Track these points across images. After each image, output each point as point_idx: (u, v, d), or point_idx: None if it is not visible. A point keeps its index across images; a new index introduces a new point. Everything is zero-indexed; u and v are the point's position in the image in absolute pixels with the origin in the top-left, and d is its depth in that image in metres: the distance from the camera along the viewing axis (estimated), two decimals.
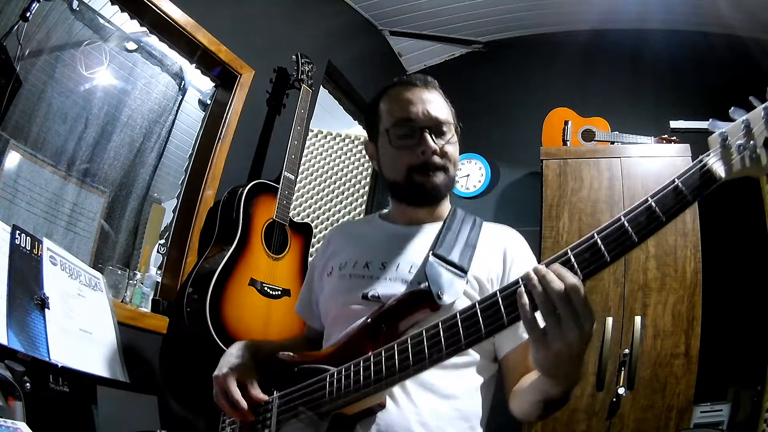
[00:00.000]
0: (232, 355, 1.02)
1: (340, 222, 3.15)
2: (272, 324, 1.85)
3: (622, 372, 1.81)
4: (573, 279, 0.66)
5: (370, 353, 0.83)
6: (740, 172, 0.66)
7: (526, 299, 0.68)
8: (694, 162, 0.68)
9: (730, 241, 2.35)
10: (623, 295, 2.24)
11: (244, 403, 0.93)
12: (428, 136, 1.01)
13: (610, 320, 2.16)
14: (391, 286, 0.96)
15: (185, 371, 1.84)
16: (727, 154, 0.67)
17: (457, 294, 0.91)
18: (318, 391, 0.87)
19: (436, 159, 1.01)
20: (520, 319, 0.70)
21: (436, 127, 1.03)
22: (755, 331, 2.20)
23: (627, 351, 2.04)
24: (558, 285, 0.66)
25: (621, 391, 1.77)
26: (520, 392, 0.90)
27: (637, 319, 2.11)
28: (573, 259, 0.69)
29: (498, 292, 0.74)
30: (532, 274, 0.69)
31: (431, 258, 0.95)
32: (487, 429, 0.97)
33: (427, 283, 0.89)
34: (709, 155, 0.68)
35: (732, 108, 0.69)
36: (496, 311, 0.73)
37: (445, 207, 1.11)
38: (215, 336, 1.67)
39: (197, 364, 1.83)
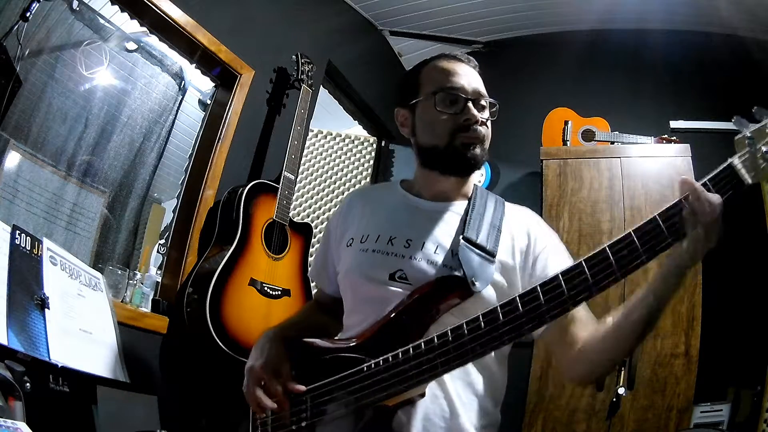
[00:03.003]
0: (264, 347, 1.01)
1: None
2: (272, 324, 1.84)
3: (622, 372, 1.81)
4: (717, 197, 0.73)
5: (409, 346, 0.84)
6: (766, 177, 0.69)
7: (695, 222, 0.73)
8: (723, 165, 0.72)
9: (730, 240, 2.35)
10: (623, 295, 2.24)
11: (281, 395, 0.93)
12: (472, 106, 1.03)
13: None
14: (418, 267, 0.95)
15: (185, 371, 1.84)
16: (754, 159, 0.69)
17: (488, 280, 0.91)
18: (357, 383, 0.87)
19: (479, 129, 1.03)
20: (560, 315, 0.77)
21: (479, 101, 1.05)
22: (755, 331, 2.20)
23: None
24: (715, 198, 0.73)
25: (621, 391, 1.77)
26: (605, 334, 0.88)
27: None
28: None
29: (539, 287, 0.77)
30: (702, 200, 0.73)
31: (462, 242, 0.94)
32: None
33: (461, 271, 0.90)
34: (736, 159, 0.71)
35: (755, 108, 0.71)
36: (538, 306, 0.77)
37: (471, 184, 1.11)
38: (215, 336, 1.67)
39: (197, 364, 1.83)
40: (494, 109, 1.08)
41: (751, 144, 0.70)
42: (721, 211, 0.73)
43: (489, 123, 1.06)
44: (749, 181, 0.70)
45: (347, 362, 0.90)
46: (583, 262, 0.77)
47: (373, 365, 0.86)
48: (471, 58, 1.12)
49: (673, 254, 0.77)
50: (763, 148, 0.68)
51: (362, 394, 0.86)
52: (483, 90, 1.07)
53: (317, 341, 0.98)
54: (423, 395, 0.85)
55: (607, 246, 0.75)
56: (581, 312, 0.93)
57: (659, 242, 0.74)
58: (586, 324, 0.92)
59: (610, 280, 0.75)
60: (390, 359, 0.84)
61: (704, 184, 0.73)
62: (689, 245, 0.75)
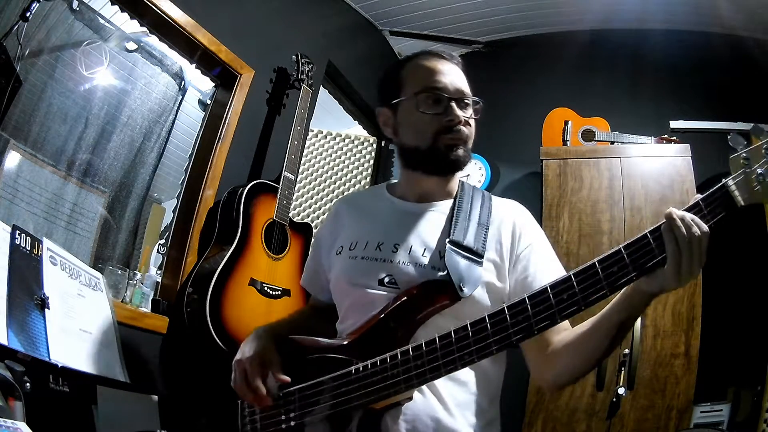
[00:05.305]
0: (252, 339, 1.02)
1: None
2: None
3: (622, 372, 1.82)
4: (705, 226, 0.72)
5: (397, 351, 0.83)
6: (760, 200, 0.69)
7: (673, 239, 0.72)
8: (717, 186, 0.72)
9: (730, 240, 2.35)
10: None
11: (263, 388, 0.92)
12: (455, 106, 1.03)
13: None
14: (405, 271, 0.96)
15: (185, 371, 1.84)
16: (749, 180, 0.70)
17: (477, 283, 0.91)
18: (345, 386, 0.87)
19: (462, 129, 1.03)
20: (548, 328, 0.76)
21: (462, 100, 1.05)
22: (755, 331, 2.20)
23: (627, 351, 2.03)
24: (697, 230, 0.72)
25: (621, 391, 1.77)
26: (577, 340, 0.88)
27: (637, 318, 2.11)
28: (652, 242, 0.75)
29: (527, 299, 0.77)
30: (677, 220, 0.72)
31: (449, 246, 0.94)
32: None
33: (446, 272, 0.89)
34: (730, 180, 0.71)
35: (752, 126, 0.71)
36: (526, 318, 0.76)
37: (456, 181, 1.11)
38: (215, 336, 1.67)
39: (197, 364, 1.83)
40: (477, 107, 1.08)
41: (746, 164, 0.70)
42: (707, 241, 0.72)
43: (472, 121, 1.06)
44: (742, 203, 0.70)
45: (334, 363, 0.90)
46: (572, 276, 0.76)
47: (361, 368, 0.86)
48: (453, 54, 1.11)
49: (653, 276, 0.75)
50: (758, 170, 0.68)
51: (350, 396, 0.86)
52: (466, 88, 1.06)
53: (305, 338, 0.97)
54: (410, 398, 0.85)
55: (596, 261, 0.76)
56: None
57: (649, 259, 0.73)
58: (560, 329, 0.91)
59: (598, 295, 0.75)
60: (378, 363, 0.84)
61: (696, 204, 0.73)
62: (669, 269, 0.73)
